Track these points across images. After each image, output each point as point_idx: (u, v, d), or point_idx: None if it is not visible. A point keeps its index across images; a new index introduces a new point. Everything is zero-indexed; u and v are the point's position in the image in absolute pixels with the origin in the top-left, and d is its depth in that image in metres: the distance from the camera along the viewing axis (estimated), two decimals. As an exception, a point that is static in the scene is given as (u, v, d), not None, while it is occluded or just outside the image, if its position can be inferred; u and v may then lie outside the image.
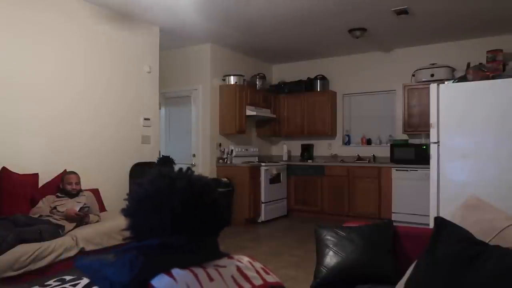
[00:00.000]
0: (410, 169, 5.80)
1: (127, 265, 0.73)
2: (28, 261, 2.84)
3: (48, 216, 3.40)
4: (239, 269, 0.81)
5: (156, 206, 0.81)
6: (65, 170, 3.94)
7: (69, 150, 4.24)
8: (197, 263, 0.78)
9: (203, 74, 6.32)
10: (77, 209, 3.50)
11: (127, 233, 0.84)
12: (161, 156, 5.30)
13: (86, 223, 3.57)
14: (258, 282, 0.82)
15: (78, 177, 3.81)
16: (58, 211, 3.47)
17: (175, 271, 0.74)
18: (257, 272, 0.84)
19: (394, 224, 2.26)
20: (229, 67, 6.60)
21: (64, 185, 3.74)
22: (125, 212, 0.85)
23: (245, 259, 0.88)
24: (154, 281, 0.72)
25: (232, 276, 0.78)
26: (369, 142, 6.85)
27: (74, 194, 3.70)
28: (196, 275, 0.74)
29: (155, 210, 0.81)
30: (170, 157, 4.82)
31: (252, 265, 0.86)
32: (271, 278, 0.86)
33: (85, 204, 3.65)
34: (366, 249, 2.05)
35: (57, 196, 3.66)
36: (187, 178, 0.85)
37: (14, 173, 3.55)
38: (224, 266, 0.80)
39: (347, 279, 2.00)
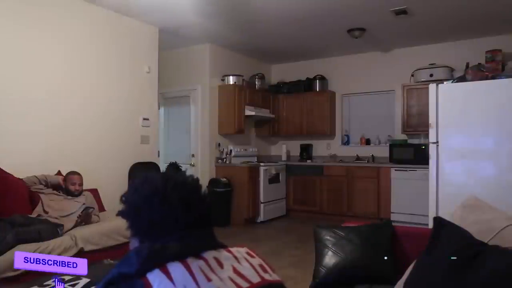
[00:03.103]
0: (409, 169, 5.81)
1: (133, 255, 0.77)
2: (27, 261, 2.83)
3: (46, 213, 3.41)
4: (235, 270, 0.83)
5: (156, 202, 0.86)
6: (71, 171, 3.94)
7: (68, 150, 4.23)
8: (196, 252, 0.81)
9: (202, 74, 6.31)
10: (77, 208, 3.51)
11: (128, 232, 0.90)
12: (169, 163, 5.32)
13: (86, 224, 3.57)
14: (255, 279, 0.83)
15: (82, 178, 3.82)
16: (54, 208, 3.48)
17: (174, 272, 0.75)
18: (255, 269, 0.85)
19: (393, 224, 2.26)
20: (228, 67, 6.60)
21: (67, 185, 3.74)
22: (121, 213, 0.90)
23: (243, 253, 0.89)
24: (151, 279, 0.74)
25: (229, 277, 0.80)
26: (368, 142, 6.86)
27: (76, 195, 3.72)
28: (193, 276, 0.76)
29: (155, 206, 0.85)
30: (177, 163, 4.86)
31: (250, 262, 0.87)
32: (268, 276, 0.87)
33: (84, 204, 3.65)
34: (365, 249, 2.05)
35: (57, 195, 3.67)
36: (181, 177, 0.91)
37: (11, 174, 3.53)
38: (222, 266, 0.81)
39: (346, 279, 2.00)
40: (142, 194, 0.87)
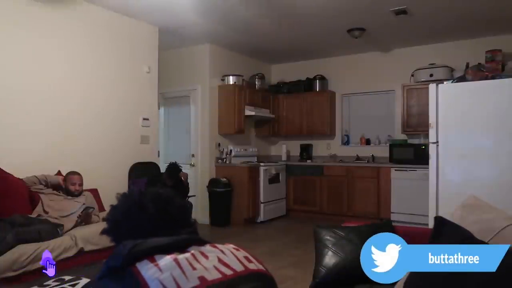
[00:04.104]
0: (409, 169, 5.80)
1: (119, 250, 0.82)
2: (27, 262, 2.83)
3: (46, 213, 3.41)
4: (220, 260, 0.85)
5: (133, 212, 0.93)
6: (71, 171, 3.93)
7: (68, 150, 4.23)
8: (181, 248, 0.84)
9: (202, 74, 6.31)
10: (77, 208, 3.51)
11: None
12: (169, 163, 5.26)
13: (86, 224, 3.58)
14: (239, 268, 0.85)
15: (82, 178, 3.83)
16: (54, 208, 3.48)
17: (161, 262, 0.78)
18: (239, 260, 0.88)
19: (393, 224, 2.26)
20: (228, 67, 6.60)
21: (67, 185, 3.74)
22: (105, 231, 0.96)
23: (229, 247, 0.92)
24: (140, 267, 0.77)
25: (214, 266, 0.83)
26: (368, 142, 6.86)
27: (76, 195, 3.72)
28: (179, 264, 0.79)
29: (133, 215, 0.92)
30: (177, 163, 4.82)
31: (235, 255, 0.89)
32: (253, 266, 0.89)
33: (84, 204, 3.65)
34: (365, 249, 2.05)
35: (57, 195, 3.67)
36: (156, 192, 0.98)
37: (11, 174, 3.53)
38: (207, 257, 0.84)
39: (346, 279, 2.00)
40: (121, 208, 0.95)
